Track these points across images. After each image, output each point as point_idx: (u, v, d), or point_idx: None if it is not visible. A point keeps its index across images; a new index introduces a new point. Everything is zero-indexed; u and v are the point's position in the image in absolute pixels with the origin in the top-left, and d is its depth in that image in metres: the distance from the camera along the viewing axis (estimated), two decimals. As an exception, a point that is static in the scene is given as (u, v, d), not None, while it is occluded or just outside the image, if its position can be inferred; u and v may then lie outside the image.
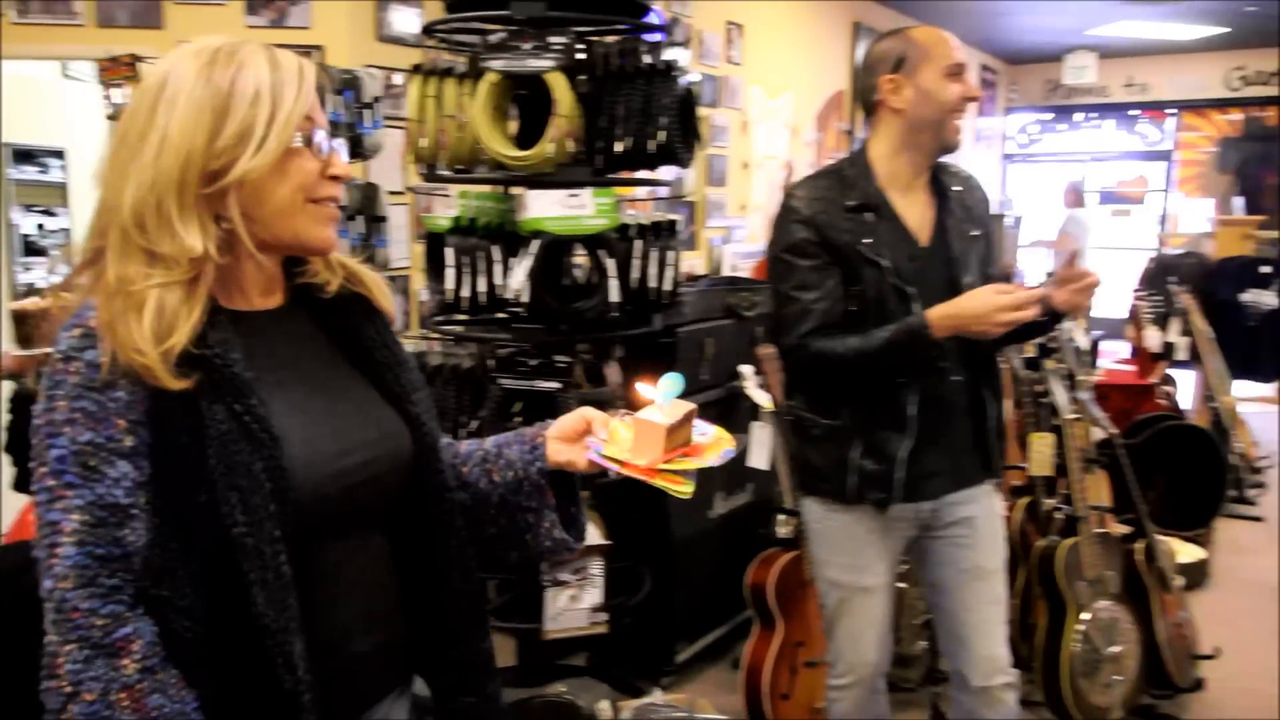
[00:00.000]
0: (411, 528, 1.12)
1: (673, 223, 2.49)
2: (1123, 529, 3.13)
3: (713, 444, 1.12)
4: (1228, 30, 8.66)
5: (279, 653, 0.94)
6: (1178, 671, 2.94)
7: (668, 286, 2.42)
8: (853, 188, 1.95)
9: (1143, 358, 5.17)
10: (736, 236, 6.10)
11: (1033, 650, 2.76)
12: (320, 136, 1.03)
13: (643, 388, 1.10)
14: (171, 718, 0.91)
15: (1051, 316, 1.93)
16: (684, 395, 1.12)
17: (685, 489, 1.07)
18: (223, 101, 0.96)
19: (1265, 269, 5.81)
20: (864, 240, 1.92)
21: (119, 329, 0.92)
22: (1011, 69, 10.76)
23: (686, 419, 1.09)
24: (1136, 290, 5.50)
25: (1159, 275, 5.79)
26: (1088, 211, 9.56)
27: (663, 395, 1.08)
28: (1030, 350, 3.36)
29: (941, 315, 1.83)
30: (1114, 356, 6.11)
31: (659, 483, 1.06)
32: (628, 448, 1.08)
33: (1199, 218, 9.20)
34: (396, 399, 1.11)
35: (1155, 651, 2.88)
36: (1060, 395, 2.76)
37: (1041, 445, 2.74)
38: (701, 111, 5.71)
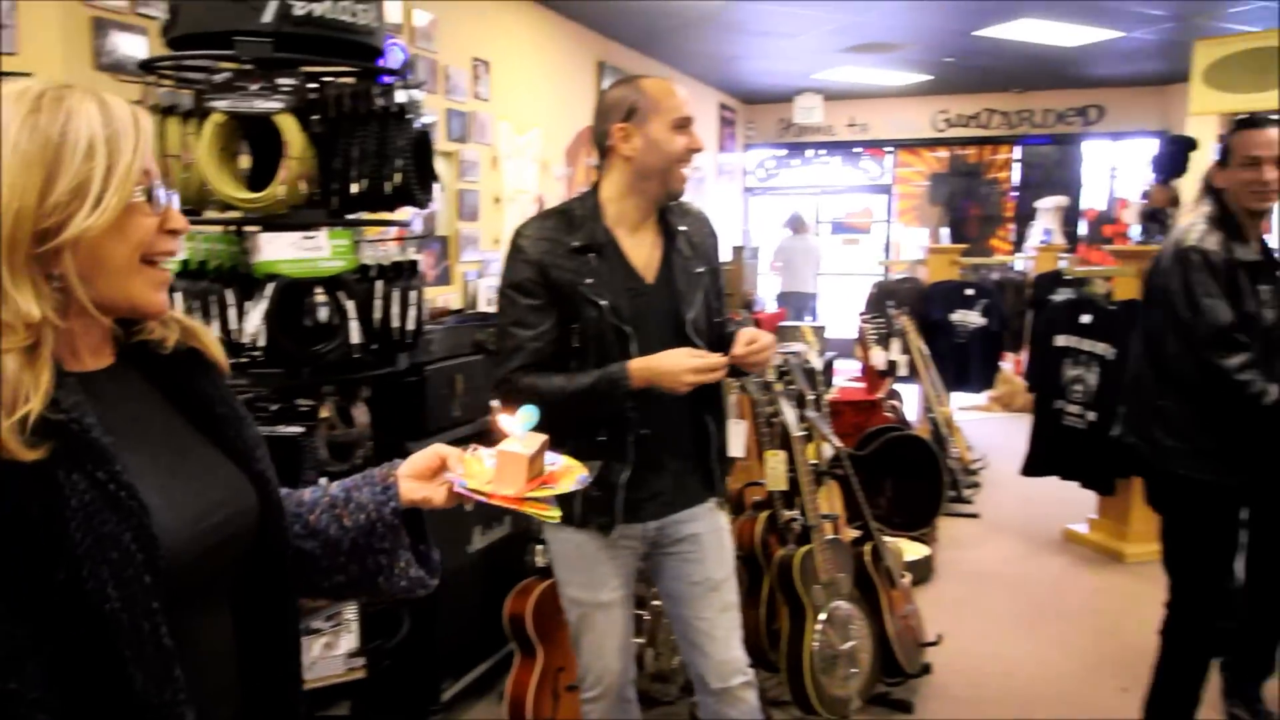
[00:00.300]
0: (256, 591, 1.07)
1: (414, 263, 2.49)
2: (853, 534, 3.41)
3: (564, 471, 1.17)
4: (931, 78, 9.63)
5: None
6: (907, 660, 3.22)
7: (411, 326, 2.43)
8: (580, 228, 2.06)
9: (870, 375, 5.62)
10: (491, 271, 6.14)
11: (779, 653, 2.95)
12: (159, 190, 0.97)
13: (503, 420, 1.14)
14: None
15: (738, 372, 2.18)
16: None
17: (554, 513, 1.12)
18: (53, 154, 0.88)
19: (969, 291, 6.48)
20: (585, 281, 2.02)
21: None
22: (748, 108, 11.46)
23: (541, 450, 1.14)
24: (862, 314, 5.99)
25: (880, 299, 6.34)
26: (810, 238, 10.37)
27: (520, 427, 1.13)
28: (769, 374, 3.60)
29: (640, 368, 1.97)
30: (848, 375, 6.60)
31: (528, 510, 1.10)
32: (488, 480, 1.11)
33: (916, 246, 10.15)
34: (239, 455, 1.07)
35: (886, 643, 3.14)
36: (789, 415, 2.98)
37: (775, 462, 2.94)
38: (450, 147, 5.77)
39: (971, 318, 6.40)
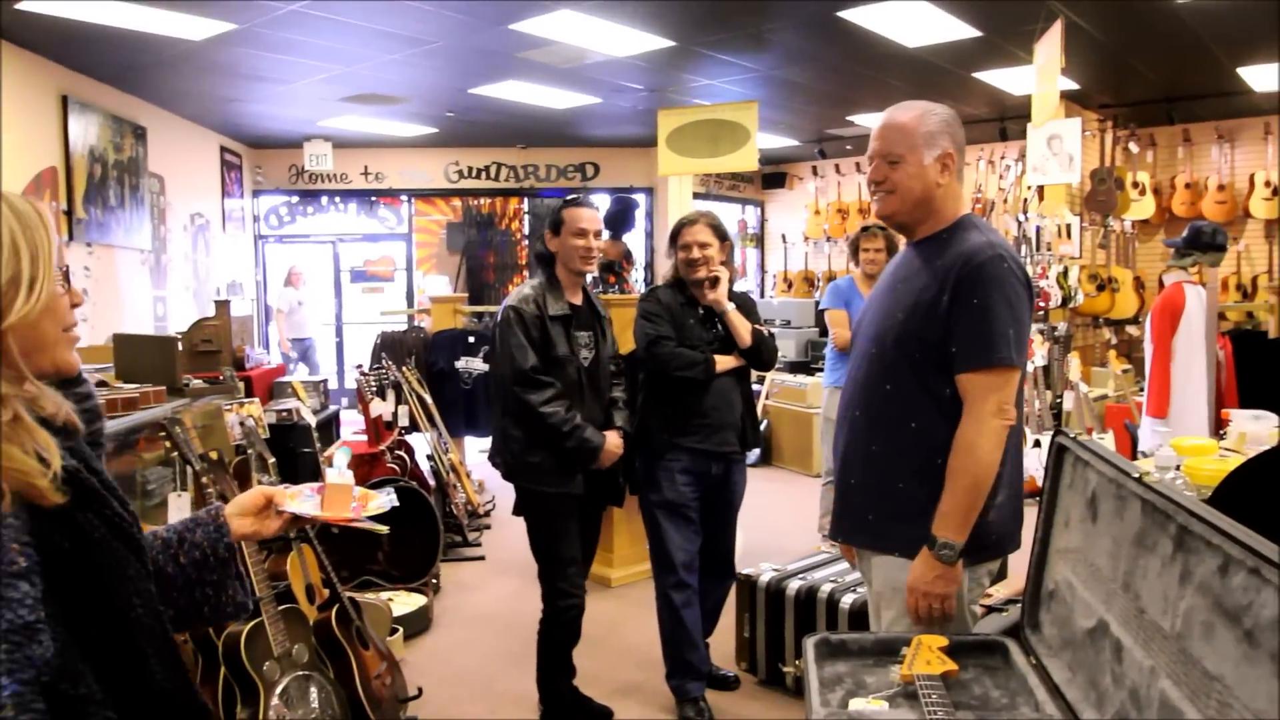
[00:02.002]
0: None
1: None
2: (322, 597, 3.30)
3: (368, 497, 1.55)
4: (436, 130, 9.89)
5: (168, 706, 1.12)
6: (388, 718, 3.17)
7: None
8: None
9: (374, 427, 5.57)
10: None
11: (237, 739, 2.75)
12: (66, 273, 1.16)
13: (336, 455, 1.59)
14: None
15: None
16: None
17: (383, 528, 1.52)
18: None
19: (472, 339, 6.69)
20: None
21: (11, 463, 1.01)
22: (256, 153, 10.95)
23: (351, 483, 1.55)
24: (359, 367, 5.92)
25: (379, 350, 6.33)
26: (303, 290, 10.50)
27: (341, 464, 1.52)
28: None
29: None
30: (355, 427, 6.48)
31: (364, 526, 1.48)
32: (317, 506, 1.48)
33: (438, 293, 10.35)
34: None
35: (359, 707, 3.07)
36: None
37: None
38: None
39: (475, 364, 6.61)
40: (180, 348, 5.79)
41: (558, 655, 3.46)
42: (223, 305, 5.71)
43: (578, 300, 3.40)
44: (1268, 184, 8.80)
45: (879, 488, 2.11)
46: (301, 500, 1.49)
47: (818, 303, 10.26)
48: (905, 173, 2.09)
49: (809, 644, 1.87)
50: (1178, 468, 2.32)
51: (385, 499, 1.56)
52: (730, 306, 3.45)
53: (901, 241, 2.27)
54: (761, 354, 3.49)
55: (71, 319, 1.18)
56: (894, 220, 2.19)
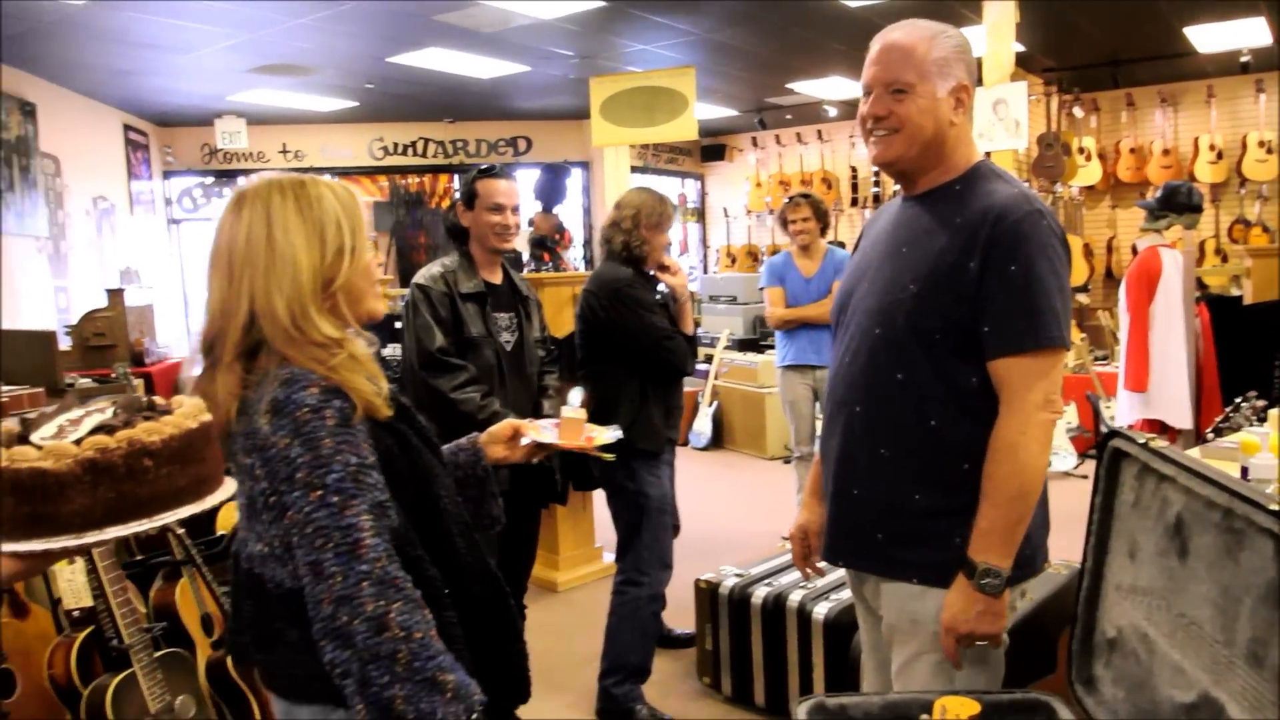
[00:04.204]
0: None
1: None
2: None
3: (600, 430, 1.91)
4: (357, 104, 9.33)
5: (472, 574, 1.49)
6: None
7: None
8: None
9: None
10: None
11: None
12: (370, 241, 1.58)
13: (572, 394, 1.90)
14: (440, 649, 1.29)
15: None
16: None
17: (611, 456, 1.95)
18: (320, 230, 1.42)
19: (399, 324, 6.23)
20: None
21: (355, 384, 1.35)
22: (164, 131, 10.27)
23: (584, 417, 1.89)
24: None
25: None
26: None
27: (575, 400, 1.89)
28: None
29: None
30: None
31: (595, 452, 1.87)
32: (556, 437, 1.83)
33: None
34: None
35: (261, 758, 2.66)
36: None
37: (71, 572, 2.32)
38: None
39: (399, 351, 6.15)
40: (70, 343, 5.26)
41: None
42: (116, 294, 5.20)
43: (496, 279, 3.12)
44: (1261, 144, 8.62)
45: (889, 500, 1.73)
46: (543, 431, 1.81)
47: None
48: (916, 106, 1.69)
49: (801, 712, 1.49)
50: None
51: (612, 433, 1.89)
52: (689, 294, 3.35)
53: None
54: (695, 342, 3.37)
55: (378, 275, 1.55)
56: (896, 167, 1.77)
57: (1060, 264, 1.63)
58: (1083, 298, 8.78)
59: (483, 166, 3.10)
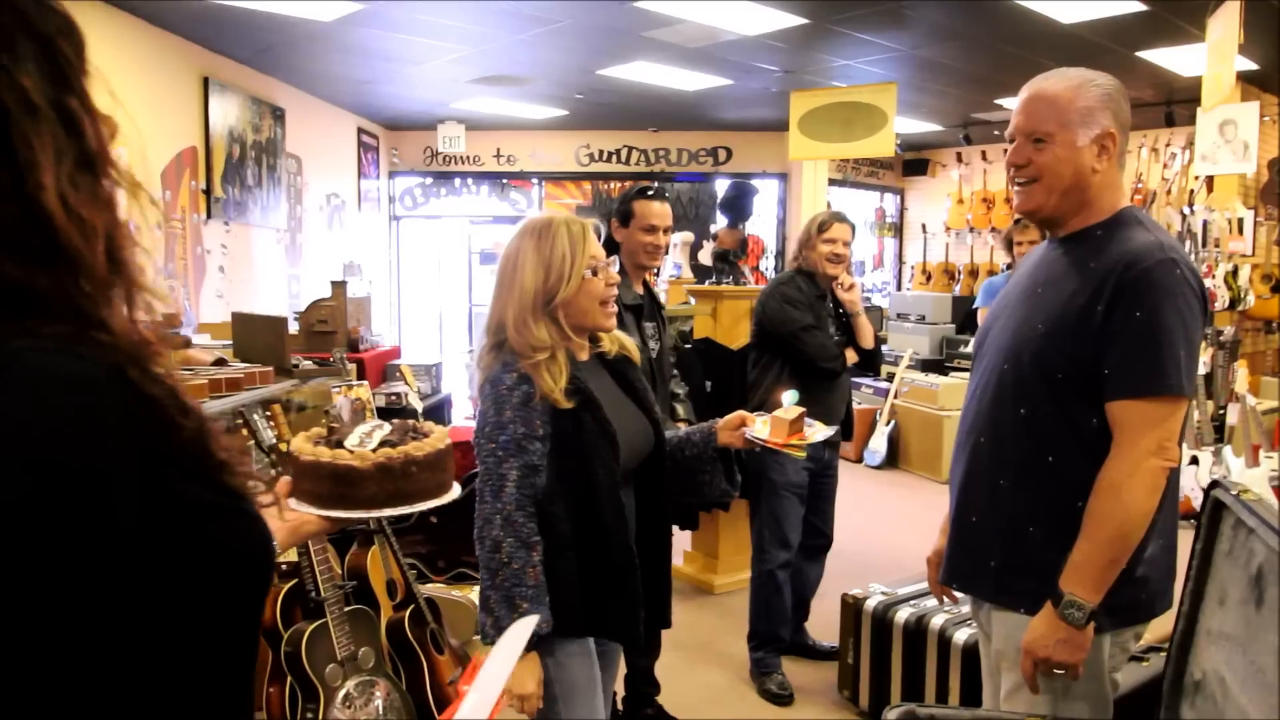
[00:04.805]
0: (647, 481, 2.14)
1: None
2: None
3: (816, 429, 2.11)
4: (567, 113, 9.79)
5: (618, 546, 1.94)
6: (460, 725, 3.04)
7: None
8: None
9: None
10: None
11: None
12: (601, 266, 2.01)
13: (785, 396, 2.11)
14: (540, 587, 1.86)
15: None
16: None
17: (802, 454, 2.14)
18: (547, 260, 1.96)
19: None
20: None
21: (541, 377, 1.91)
22: (392, 134, 11.11)
23: (800, 418, 2.10)
24: (470, 351, 5.83)
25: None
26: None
27: (788, 401, 2.09)
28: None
29: None
30: (466, 413, 6.43)
31: (787, 450, 2.07)
32: (767, 433, 2.06)
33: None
34: (646, 410, 2.13)
35: (428, 711, 2.94)
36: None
37: (282, 530, 2.66)
38: None
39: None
40: (298, 328, 5.84)
41: None
42: (339, 286, 5.73)
43: (640, 291, 3.34)
44: None
45: (1005, 530, 1.79)
46: (758, 427, 2.10)
47: (958, 297, 9.73)
48: (1054, 155, 1.74)
49: (892, 714, 1.58)
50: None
51: (825, 431, 2.16)
52: (862, 308, 3.66)
53: None
54: (875, 357, 3.69)
55: (607, 295, 2.01)
56: (1037, 216, 1.84)
57: (1189, 313, 1.63)
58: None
59: (640, 185, 3.31)
